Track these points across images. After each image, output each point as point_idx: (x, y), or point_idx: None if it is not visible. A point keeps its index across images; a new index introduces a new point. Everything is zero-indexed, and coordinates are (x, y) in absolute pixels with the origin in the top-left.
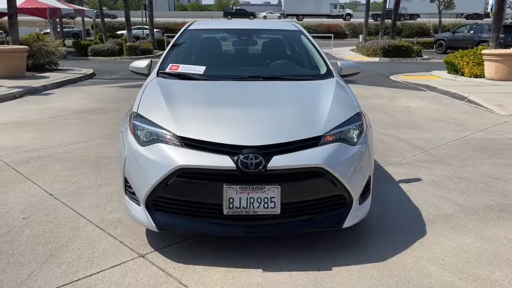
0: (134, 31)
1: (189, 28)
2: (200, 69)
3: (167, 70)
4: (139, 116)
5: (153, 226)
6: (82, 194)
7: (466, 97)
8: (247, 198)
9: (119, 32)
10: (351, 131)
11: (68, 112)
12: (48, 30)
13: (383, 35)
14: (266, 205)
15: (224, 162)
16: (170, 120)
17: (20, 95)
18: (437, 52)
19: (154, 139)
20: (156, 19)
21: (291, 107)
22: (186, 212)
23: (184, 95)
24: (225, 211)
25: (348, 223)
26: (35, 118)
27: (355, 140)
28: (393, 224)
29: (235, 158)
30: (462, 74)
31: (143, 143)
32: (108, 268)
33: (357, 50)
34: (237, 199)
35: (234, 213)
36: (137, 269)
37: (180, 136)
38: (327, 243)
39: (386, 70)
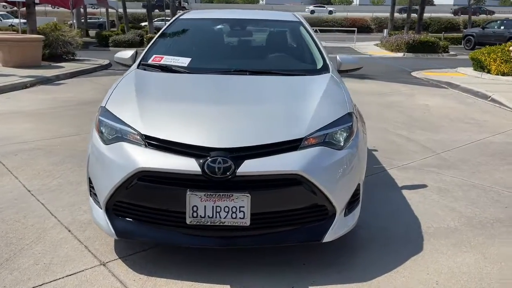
0: (156, 23)
1: (182, 17)
2: (184, 61)
3: (149, 61)
4: (106, 112)
5: (112, 233)
6: (61, 191)
7: (490, 96)
8: (213, 206)
9: (142, 24)
10: (338, 133)
11: (73, 103)
12: (73, 21)
13: (408, 29)
14: (234, 215)
15: (189, 165)
16: (137, 117)
17: (31, 84)
18: (465, 48)
19: (118, 137)
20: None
21: (274, 105)
22: (148, 220)
23: (159, 89)
24: (188, 220)
25: (329, 237)
26: (37, 109)
27: (341, 143)
28: (387, 237)
29: (202, 161)
30: (489, 72)
31: (107, 141)
32: (62, 278)
33: (381, 45)
34: (201, 207)
35: (198, 223)
36: (93, 279)
37: (144, 135)
38: (307, 257)
39: (409, 66)
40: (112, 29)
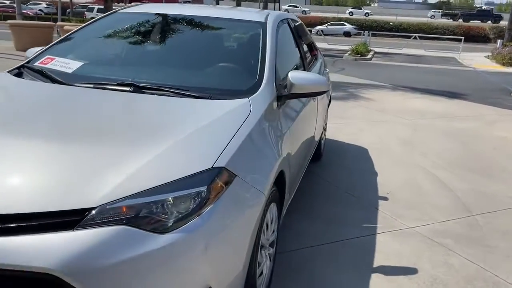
0: None
1: (121, 10)
2: (73, 66)
3: (37, 62)
4: None
5: None
6: None
7: None
8: None
9: None
10: (172, 203)
11: None
12: None
13: None
14: None
15: None
16: None
17: None
18: None
19: None
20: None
21: (96, 149)
22: None
23: None
24: None
25: None
26: None
27: (169, 222)
28: None
29: None
30: None
31: None
32: None
33: (491, 57)
34: None
35: None
36: None
37: None
38: None
39: None
40: None
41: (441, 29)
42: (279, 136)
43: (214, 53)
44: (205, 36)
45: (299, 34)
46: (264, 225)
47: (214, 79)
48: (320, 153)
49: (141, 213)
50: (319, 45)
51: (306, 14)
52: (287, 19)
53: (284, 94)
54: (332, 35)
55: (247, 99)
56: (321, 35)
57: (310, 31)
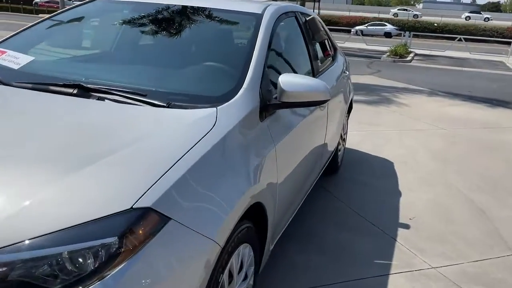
0: None
1: None
2: (22, 61)
3: None
4: None
5: None
6: None
7: None
8: None
9: None
10: (60, 261)
11: None
12: None
13: None
14: None
15: None
16: None
17: None
18: None
19: None
20: (323, 12)
21: None
22: None
23: None
24: None
25: None
26: None
27: None
28: None
29: None
30: None
31: None
32: None
33: None
34: None
35: None
36: None
37: None
38: None
39: None
40: None
41: (489, 31)
42: (259, 157)
43: (191, 50)
44: (186, 30)
45: (310, 30)
46: (224, 277)
47: (181, 82)
48: (337, 166)
49: (11, 276)
50: (357, 45)
51: (417, 18)
52: (294, 12)
53: (272, 103)
54: (372, 35)
55: (214, 108)
56: (359, 35)
57: (349, 31)
